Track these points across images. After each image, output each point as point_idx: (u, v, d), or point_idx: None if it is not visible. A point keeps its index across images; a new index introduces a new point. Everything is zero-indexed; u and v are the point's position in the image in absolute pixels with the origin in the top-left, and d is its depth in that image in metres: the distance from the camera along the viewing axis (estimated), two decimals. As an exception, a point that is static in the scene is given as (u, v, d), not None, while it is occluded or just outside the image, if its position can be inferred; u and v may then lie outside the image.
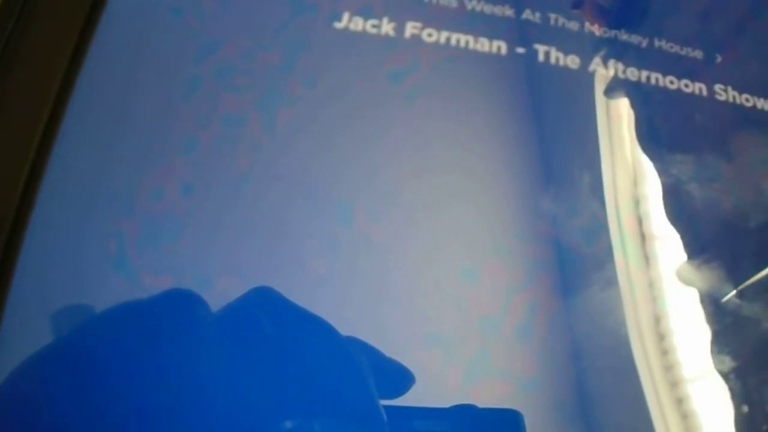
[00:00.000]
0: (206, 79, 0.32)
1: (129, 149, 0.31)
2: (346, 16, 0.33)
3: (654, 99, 0.34)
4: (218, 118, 0.31)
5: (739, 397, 0.29)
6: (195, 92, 0.32)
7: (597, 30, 0.35)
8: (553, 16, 0.34)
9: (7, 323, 0.26)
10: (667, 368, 0.30)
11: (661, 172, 0.33)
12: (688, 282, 0.31)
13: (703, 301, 0.31)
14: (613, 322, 0.30)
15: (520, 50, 0.33)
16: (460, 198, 0.32)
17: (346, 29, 0.32)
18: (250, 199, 0.30)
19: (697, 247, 0.32)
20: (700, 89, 0.34)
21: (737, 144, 0.34)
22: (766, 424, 0.29)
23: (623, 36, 0.35)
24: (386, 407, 0.24)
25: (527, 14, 0.34)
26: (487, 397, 0.27)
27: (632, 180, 0.33)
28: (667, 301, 0.31)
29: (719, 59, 0.35)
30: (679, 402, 0.29)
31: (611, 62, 0.34)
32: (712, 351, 0.30)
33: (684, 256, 0.32)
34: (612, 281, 0.31)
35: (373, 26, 0.32)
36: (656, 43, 0.35)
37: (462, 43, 0.33)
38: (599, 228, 0.32)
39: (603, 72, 0.34)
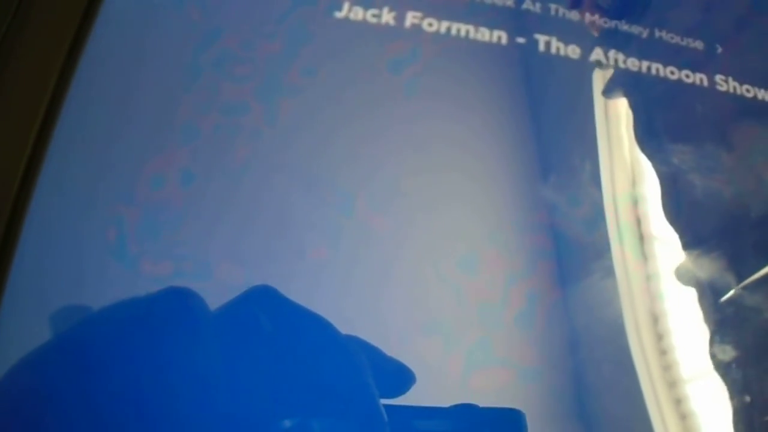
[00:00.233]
0: (207, 68, 0.32)
1: (129, 138, 0.31)
2: (346, 6, 0.33)
3: (655, 89, 0.34)
4: (219, 107, 0.31)
5: (739, 388, 0.29)
6: (196, 81, 0.32)
7: (597, 21, 0.34)
8: (553, 6, 0.34)
9: (5, 312, 0.26)
10: (665, 368, 0.30)
11: (662, 162, 0.33)
12: (686, 281, 0.31)
13: (702, 297, 0.31)
14: (612, 312, 0.30)
15: (521, 40, 0.33)
16: (460, 188, 0.31)
17: (346, 18, 0.32)
18: (250, 187, 0.30)
19: (697, 237, 0.32)
20: (701, 80, 0.34)
21: (738, 134, 0.34)
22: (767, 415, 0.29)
23: (624, 26, 0.35)
24: (387, 407, 0.24)
25: (527, 4, 0.34)
26: (486, 386, 0.27)
27: (631, 181, 0.33)
28: (666, 301, 0.31)
29: (720, 50, 0.35)
30: (678, 402, 0.29)
31: (612, 52, 0.34)
32: (713, 341, 0.30)
33: (682, 256, 0.32)
34: (610, 272, 0.31)
35: (374, 16, 0.32)
36: (657, 33, 0.35)
37: (462, 33, 0.33)
38: (598, 217, 0.32)
39: (604, 63, 0.34)
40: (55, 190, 0.29)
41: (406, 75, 0.33)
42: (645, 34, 0.35)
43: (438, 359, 0.27)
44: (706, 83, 0.34)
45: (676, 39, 0.35)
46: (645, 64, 0.34)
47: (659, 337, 0.30)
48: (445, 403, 0.25)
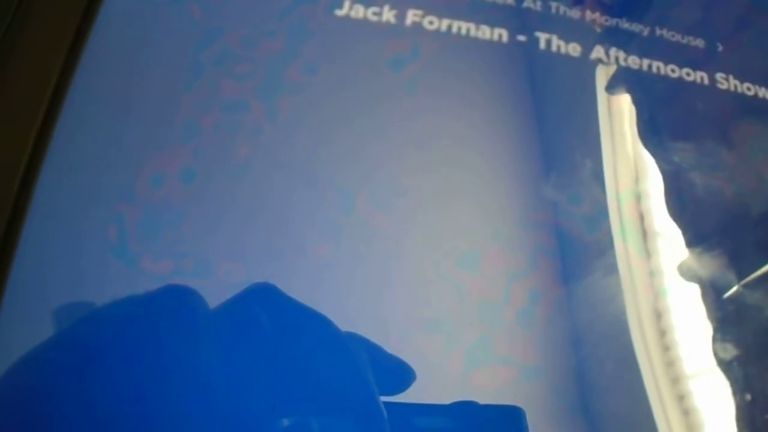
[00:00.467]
0: (208, 66, 0.32)
1: (130, 136, 0.31)
2: (347, 4, 0.32)
3: (655, 87, 0.34)
4: (219, 105, 0.31)
5: (741, 386, 0.29)
6: (196, 79, 0.32)
7: (598, 19, 0.34)
8: (554, 4, 0.34)
9: (6, 310, 0.26)
10: (668, 364, 0.30)
11: (663, 160, 0.33)
12: (689, 278, 0.31)
13: (704, 294, 0.31)
14: (615, 309, 0.30)
15: (522, 38, 0.33)
16: (460, 185, 0.31)
17: (347, 17, 0.32)
18: (251, 185, 0.30)
19: (698, 235, 0.32)
20: (702, 78, 0.34)
21: (739, 133, 0.34)
22: (768, 413, 0.29)
23: (625, 24, 0.35)
24: (387, 404, 0.23)
25: (528, 2, 0.34)
26: (487, 384, 0.27)
27: (634, 176, 0.33)
28: (669, 297, 0.31)
29: (721, 48, 0.35)
30: (681, 398, 0.29)
31: (613, 50, 0.34)
32: (715, 338, 0.30)
33: (685, 252, 0.32)
34: (613, 269, 0.31)
35: (374, 14, 0.32)
36: (658, 31, 0.35)
37: (463, 31, 0.33)
38: (601, 215, 0.32)
39: (605, 61, 0.34)
40: (55, 189, 0.29)
41: (406, 73, 0.33)
42: (646, 32, 0.35)
43: (439, 357, 0.27)
44: (706, 81, 0.34)
45: (677, 37, 0.35)
46: (646, 62, 0.34)
47: (662, 333, 0.30)
48: (446, 401, 0.25)
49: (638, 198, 0.33)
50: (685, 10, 0.37)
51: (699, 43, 0.35)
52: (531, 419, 0.25)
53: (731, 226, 0.33)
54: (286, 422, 0.23)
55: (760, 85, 0.35)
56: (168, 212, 0.29)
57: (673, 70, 0.34)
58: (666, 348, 0.30)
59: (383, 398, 0.23)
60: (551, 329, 0.29)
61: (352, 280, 0.29)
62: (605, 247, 0.31)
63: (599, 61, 0.34)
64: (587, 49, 0.34)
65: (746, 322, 0.30)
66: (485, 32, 0.33)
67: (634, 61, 0.34)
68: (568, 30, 0.34)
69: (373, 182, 0.31)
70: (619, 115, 0.34)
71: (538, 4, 0.34)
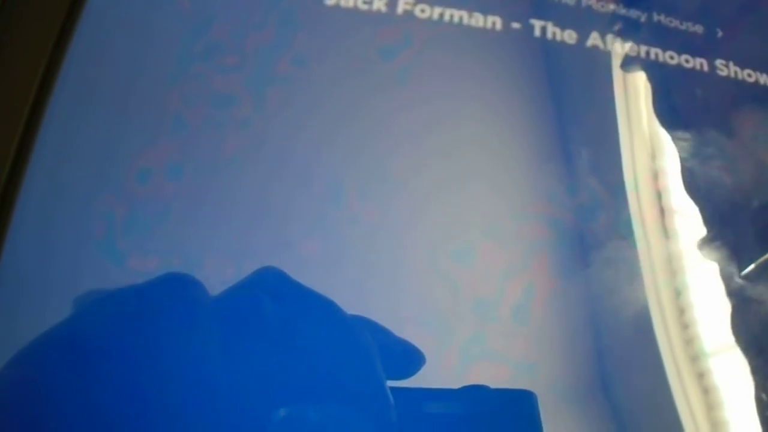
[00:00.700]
0: (195, 59, 0.32)
1: (116, 131, 0.30)
2: (337, -7, 0.32)
3: (654, 74, 0.34)
4: (207, 98, 0.31)
5: (761, 362, 0.29)
6: (184, 73, 0.31)
7: (595, 4, 0.34)
8: (549, -10, 0.34)
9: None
10: (687, 342, 0.30)
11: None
12: (708, 255, 0.31)
13: (723, 271, 0.31)
14: (634, 286, 0.30)
15: (516, 25, 0.32)
16: (454, 177, 0.31)
17: (336, 6, 0.32)
18: (239, 180, 0.30)
19: (717, 212, 0.32)
20: (701, 64, 0.34)
21: (739, 120, 0.33)
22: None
23: (622, 10, 0.34)
24: (394, 389, 0.23)
25: (523, -12, 0.34)
26: (482, 381, 0.27)
27: (650, 155, 0.33)
28: (688, 275, 0.31)
29: (720, 34, 0.35)
30: (700, 376, 0.29)
31: (609, 37, 0.33)
32: (734, 315, 0.30)
33: (704, 230, 0.31)
34: (632, 248, 0.30)
35: (365, 2, 0.32)
36: (655, 17, 0.34)
37: (456, 19, 0.32)
38: (597, 206, 0.31)
39: (602, 48, 0.33)
40: (41, 186, 0.28)
41: (398, 62, 0.32)
42: (643, 18, 0.34)
43: (433, 354, 0.27)
44: (706, 68, 0.34)
45: (676, 23, 0.34)
46: (643, 48, 0.33)
47: (681, 311, 0.30)
48: None
49: (655, 176, 0.32)
50: (684, -5, 0.36)
51: (698, 29, 0.35)
52: (549, 399, 0.25)
53: (732, 216, 0.32)
54: (290, 410, 0.22)
55: (761, 72, 0.34)
56: (155, 209, 0.29)
57: (671, 57, 0.33)
58: (685, 326, 0.30)
59: (391, 383, 0.23)
60: (571, 305, 0.29)
61: (341, 275, 0.28)
62: (604, 238, 0.31)
63: (596, 48, 0.33)
64: (583, 36, 0.33)
65: (765, 300, 0.30)
66: (478, 20, 0.32)
67: (631, 48, 0.33)
68: (563, 17, 0.33)
69: (364, 175, 0.30)
70: (635, 103, 0.33)
71: (533, -10, 0.34)
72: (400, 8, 0.32)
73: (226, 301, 0.23)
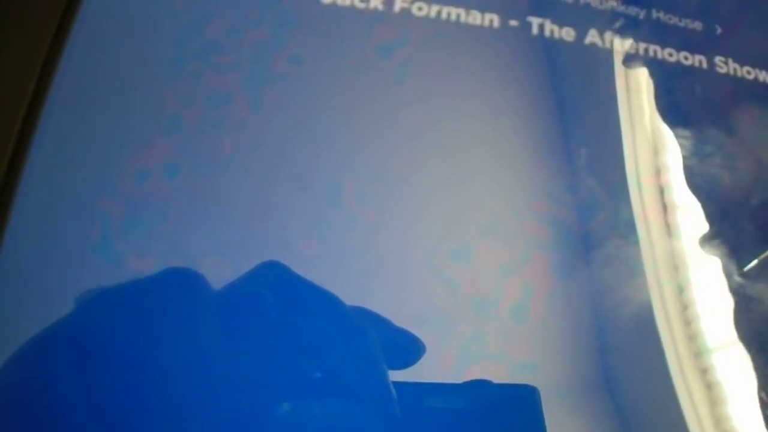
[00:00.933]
0: (191, 58, 0.31)
1: (113, 131, 0.30)
2: (333, -9, 0.32)
3: (653, 72, 0.33)
4: (203, 97, 0.31)
5: (764, 358, 0.29)
6: (180, 72, 0.31)
7: (593, 1, 0.34)
8: (547, -13, 0.34)
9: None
10: (690, 338, 0.30)
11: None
12: (711, 251, 0.31)
13: (726, 266, 0.31)
14: (637, 282, 0.29)
15: (513, 23, 0.32)
16: (453, 176, 0.31)
17: (333, 4, 0.32)
18: (236, 179, 0.30)
19: (720, 208, 0.32)
20: (700, 62, 0.33)
21: (738, 118, 0.33)
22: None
23: (620, 7, 0.34)
24: (397, 384, 0.23)
25: (520, -14, 0.33)
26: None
27: (653, 151, 0.32)
28: (690, 270, 0.31)
29: (719, 31, 0.35)
30: (704, 372, 0.29)
31: (608, 34, 0.33)
32: (737, 311, 0.30)
33: (706, 225, 0.31)
34: (635, 244, 0.30)
35: (362, 1, 0.32)
36: (654, 14, 0.34)
37: (453, 17, 0.32)
38: (598, 204, 0.31)
39: (600, 46, 0.33)
40: (39, 187, 0.28)
41: (395, 60, 0.32)
42: (642, 15, 0.34)
43: (431, 354, 0.26)
44: (705, 65, 0.33)
45: (675, 20, 0.34)
46: (642, 45, 0.33)
47: (684, 307, 0.30)
48: None
49: (657, 172, 0.32)
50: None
51: (697, 26, 0.34)
52: (551, 393, 0.25)
53: (731, 214, 0.32)
54: (292, 404, 0.22)
55: (761, 69, 0.34)
56: (153, 209, 0.28)
57: (670, 54, 0.33)
58: (688, 322, 0.30)
59: (393, 375, 0.23)
60: (573, 298, 0.29)
61: (339, 275, 0.28)
62: (603, 236, 0.30)
63: (594, 45, 0.33)
64: (581, 34, 0.33)
65: (759, 296, 0.30)
66: (476, 18, 0.32)
67: (630, 45, 0.33)
68: (561, 14, 0.33)
69: (362, 174, 0.30)
70: (637, 98, 0.33)
71: (531, -13, 0.33)
72: (397, 6, 0.32)
73: (228, 295, 0.23)
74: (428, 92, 0.32)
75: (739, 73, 0.33)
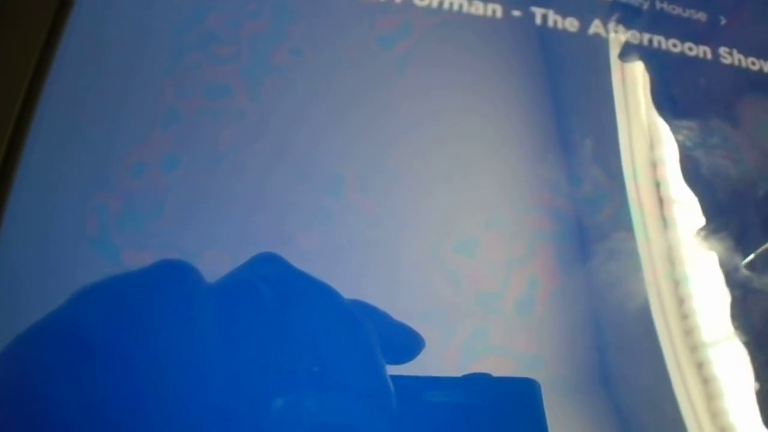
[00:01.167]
0: (190, 50, 0.31)
1: (110, 124, 0.30)
2: (334, -18, 0.31)
3: (656, 63, 0.33)
4: (202, 89, 0.30)
5: (760, 352, 0.29)
6: (178, 64, 0.31)
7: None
8: (550, -22, 0.33)
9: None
10: (687, 332, 0.30)
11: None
12: (707, 245, 0.30)
13: (723, 261, 0.30)
14: (634, 277, 0.29)
15: (516, 13, 0.32)
16: (457, 167, 0.30)
17: (334, -6, 0.31)
18: (235, 172, 0.29)
19: (716, 202, 0.31)
20: (705, 52, 0.33)
21: (743, 109, 0.33)
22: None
23: (623, -2, 0.34)
24: (395, 378, 0.22)
25: (523, -24, 0.33)
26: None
27: (649, 145, 0.32)
28: (687, 265, 0.30)
29: (724, 21, 0.34)
30: (700, 366, 0.29)
31: (611, 25, 0.33)
32: (734, 305, 0.29)
33: (702, 220, 0.31)
34: (630, 239, 0.30)
35: (363, -9, 0.31)
36: (658, 5, 0.34)
37: (455, 7, 0.31)
38: (601, 197, 0.31)
39: (604, 36, 0.33)
40: (35, 181, 0.28)
41: (397, 51, 0.31)
42: (646, 5, 0.34)
43: (435, 348, 0.26)
44: (709, 56, 0.33)
45: (678, 11, 0.34)
46: (646, 36, 0.33)
47: (681, 301, 0.30)
48: None
49: (654, 166, 0.32)
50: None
51: (701, 16, 0.34)
52: (549, 389, 0.24)
53: (737, 205, 0.32)
54: (288, 398, 0.22)
55: (765, 59, 0.33)
56: (150, 202, 0.28)
57: (674, 45, 0.33)
58: (684, 316, 0.30)
59: (391, 370, 0.22)
60: (571, 297, 0.28)
61: (340, 269, 0.28)
62: (608, 229, 0.30)
63: (598, 36, 0.33)
64: (585, 24, 0.32)
65: (765, 288, 0.30)
66: (478, 8, 0.32)
67: (634, 36, 0.33)
68: (564, 4, 0.33)
69: (363, 166, 0.30)
70: (633, 92, 0.33)
71: (533, -22, 0.33)
72: (399, -4, 0.31)
73: (223, 286, 0.23)
74: (430, 83, 0.32)
75: (743, 64, 0.33)
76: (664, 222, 0.31)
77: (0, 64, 0.29)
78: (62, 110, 0.29)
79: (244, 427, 0.21)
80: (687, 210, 0.31)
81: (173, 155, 0.29)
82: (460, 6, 0.32)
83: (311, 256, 0.28)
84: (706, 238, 0.31)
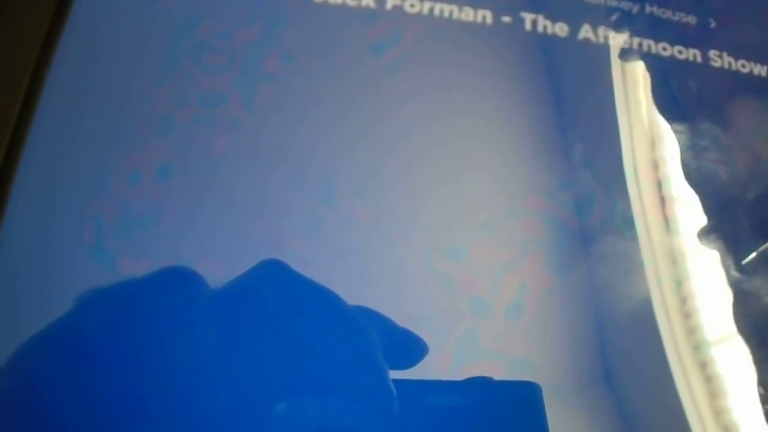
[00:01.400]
0: (183, 58, 0.31)
1: (105, 132, 0.30)
2: (325, -11, 0.32)
3: (648, 65, 0.33)
4: (195, 98, 0.31)
5: (763, 351, 0.29)
6: (172, 72, 0.31)
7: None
8: (540, -17, 0.33)
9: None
10: (689, 331, 0.30)
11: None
12: (709, 243, 0.31)
13: (725, 259, 0.31)
14: (636, 275, 0.29)
15: (506, 19, 0.32)
16: (447, 173, 0.31)
17: (325, 3, 0.31)
18: (229, 180, 0.29)
19: (718, 202, 0.31)
20: (695, 56, 0.33)
21: (733, 112, 0.33)
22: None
23: (613, 2, 0.34)
24: (396, 381, 0.23)
25: (513, -18, 0.33)
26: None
27: (650, 144, 0.32)
28: (689, 263, 0.31)
29: (714, 24, 0.34)
30: (703, 365, 0.29)
31: (601, 29, 0.33)
32: (736, 303, 0.30)
33: (704, 218, 0.31)
34: (633, 237, 0.30)
35: (354, -2, 0.31)
36: (648, 8, 0.34)
37: (446, 13, 0.32)
38: (595, 199, 0.31)
39: (594, 41, 0.33)
40: (31, 190, 0.28)
41: (388, 58, 0.32)
42: (635, 9, 0.34)
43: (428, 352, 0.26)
44: (699, 59, 0.33)
45: (668, 14, 0.34)
46: (636, 40, 0.33)
47: (683, 300, 0.30)
48: None
49: (655, 165, 0.32)
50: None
51: (691, 19, 0.34)
52: (550, 390, 0.25)
53: (727, 209, 0.32)
54: (290, 404, 0.22)
55: (756, 62, 0.34)
56: (145, 210, 0.28)
57: (664, 48, 0.33)
58: (687, 315, 0.30)
59: (393, 375, 0.23)
60: (573, 294, 0.29)
61: (334, 276, 0.28)
62: (598, 232, 0.30)
63: (587, 41, 0.33)
64: (575, 29, 0.33)
65: (762, 293, 0.30)
66: (468, 14, 0.32)
67: (624, 40, 0.33)
68: (554, 9, 0.33)
69: (356, 174, 0.30)
70: (634, 92, 0.33)
71: (523, -17, 0.33)
72: (390, 4, 0.31)
73: (227, 293, 0.23)
74: (421, 90, 0.32)
75: (733, 67, 0.33)
76: (666, 220, 0.31)
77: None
78: (58, 119, 0.30)
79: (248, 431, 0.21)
80: (689, 208, 0.31)
81: (168, 164, 0.29)
82: (451, 12, 0.32)
83: (306, 263, 0.28)
84: (699, 239, 0.31)
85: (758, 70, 0.34)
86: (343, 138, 0.30)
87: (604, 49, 0.33)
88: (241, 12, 0.32)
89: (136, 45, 0.32)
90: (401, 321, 0.27)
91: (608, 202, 0.31)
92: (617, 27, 0.33)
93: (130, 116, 0.30)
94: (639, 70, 0.33)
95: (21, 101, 0.29)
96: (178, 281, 0.23)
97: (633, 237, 0.30)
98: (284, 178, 0.30)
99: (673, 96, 0.34)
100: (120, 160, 0.29)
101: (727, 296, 0.30)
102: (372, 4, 0.31)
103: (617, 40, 0.33)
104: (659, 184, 0.32)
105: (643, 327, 0.29)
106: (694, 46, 0.33)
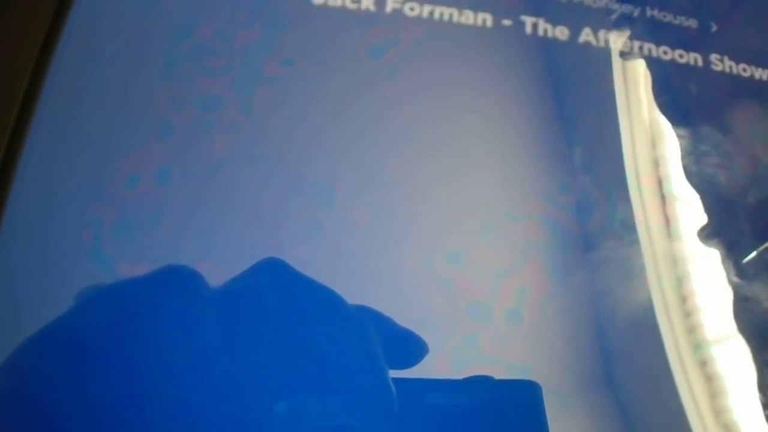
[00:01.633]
0: (182, 61, 0.31)
1: (104, 135, 0.30)
2: (325, -8, 0.32)
3: (650, 68, 0.33)
4: (194, 100, 0.30)
5: (764, 350, 0.29)
6: (171, 75, 0.31)
7: (586, 0, 0.33)
8: (541, -14, 0.33)
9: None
10: (690, 330, 0.30)
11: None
12: (710, 242, 0.30)
13: (725, 258, 0.31)
14: (637, 274, 0.29)
15: (507, 22, 0.32)
16: (447, 177, 0.31)
17: (324, 5, 0.31)
18: (228, 184, 0.29)
19: (719, 200, 0.31)
20: (696, 59, 0.33)
21: (734, 116, 0.33)
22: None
23: (614, 5, 0.34)
24: (396, 380, 0.23)
25: (513, -15, 0.33)
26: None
27: (650, 142, 0.32)
28: (690, 262, 0.30)
29: (714, 28, 0.34)
30: (703, 364, 0.29)
31: (602, 33, 0.33)
32: (737, 302, 0.30)
33: (705, 217, 0.31)
34: (634, 238, 0.30)
35: (353, 2, 0.31)
36: (649, 12, 0.34)
37: (446, 17, 0.32)
38: (595, 201, 0.31)
39: (594, 45, 0.33)
40: (29, 194, 0.28)
41: (387, 61, 0.32)
42: (636, 12, 0.34)
43: (425, 358, 0.26)
44: (700, 63, 0.33)
45: (669, 17, 0.34)
46: (637, 44, 0.33)
47: (683, 299, 0.30)
48: None
49: (656, 164, 0.32)
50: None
51: (692, 23, 0.34)
52: (552, 390, 0.24)
53: (728, 213, 0.32)
54: (290, 403, 0.22)
55: (757, 66, 0.33)
56: (144, 214, 0.28)
57: (665, 52, 0.33)
58: (687, 314, 0.30)
59: (394, 374, 0.23)
60: (574, 296, 0.29)
61: (333, 280, 0.28)
62: (598, 238, 0.30)
63: (588, 44, 0.33)
64: (575, 33, 0.32)
65: (761, 297, 0.30)
66: (469, 17, 0.32)
67: (624, 44, 0.33)
68: (555, 13, 0.33)
69: (355, 177, 0.30)
70: (635, 91, 0.33)
71: (524, -14, 0.33)
72: (389, 7, 0.31)
73: (227, 292, 0.23)
74: (421, 93, 0.32)
75: (734, 71, 0.33)
76: (667, 220, 0.31)
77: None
78: (56, 122, 0.30)
79: (249, 431, 0.21)
80: (689, 208, 0.31)
81: (167, 167, 0.29)
82: (451, 16, 0.32)
83: (305, 267, 0.28)
84: (707, 239, 0.31)
85: (759, 74, 0.34)
86: (341, 141, 0.30)
87: (605, 52, 0.33)
88: (240, 15, 0.32)
89: (135, 47, 0.32)
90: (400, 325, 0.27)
91: (609, 207, 0.31)
92: (617, 28, 0.33)
93: (128, 119, 0.30)
94: (640, 68, 0.33)
95: (20, 104, 0.29)
96: (177, 280, 0.23)
97: (634, 241, 0.30)
98: (283, 181, 0.29)
99: (674, 100, 0.33)
100: (119, 163, 0.29)
101: (728, 295, 0.30)
102: (372, 7, 0.31)
103: (618, 43, 0.33)
104: (660, 183, 0.32)
105: (644, 330, 0.29)
106: (695, 50, 0.33)
